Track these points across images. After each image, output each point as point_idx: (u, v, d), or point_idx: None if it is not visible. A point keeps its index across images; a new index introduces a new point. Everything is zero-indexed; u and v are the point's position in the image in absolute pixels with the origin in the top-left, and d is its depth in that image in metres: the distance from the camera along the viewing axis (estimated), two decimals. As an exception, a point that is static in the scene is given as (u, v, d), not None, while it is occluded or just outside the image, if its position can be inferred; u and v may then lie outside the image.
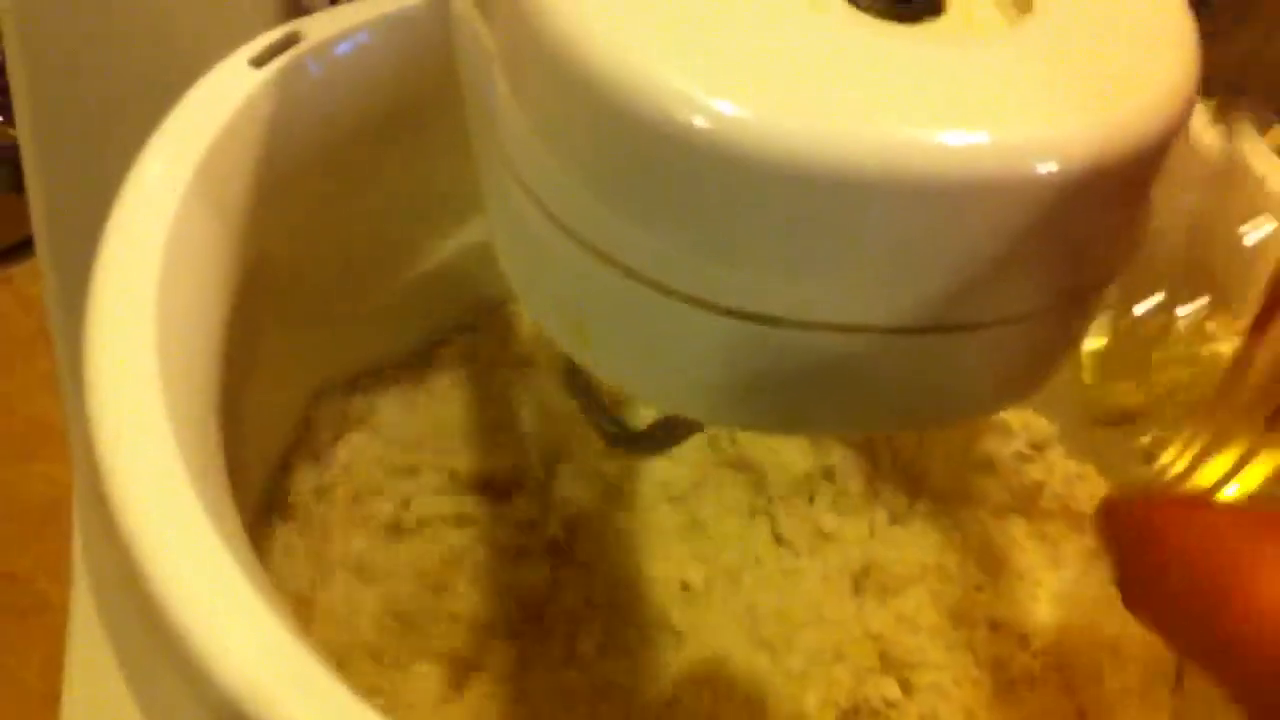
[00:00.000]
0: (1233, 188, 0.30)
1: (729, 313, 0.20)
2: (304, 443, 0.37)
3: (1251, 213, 0.29)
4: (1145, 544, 0.18)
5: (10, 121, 0.56)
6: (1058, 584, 0.37)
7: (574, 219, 0.20)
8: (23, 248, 0.55)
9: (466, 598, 0.34)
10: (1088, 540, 0.37)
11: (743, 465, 0.38)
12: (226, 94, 0.28)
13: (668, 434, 0.31)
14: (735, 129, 0.18)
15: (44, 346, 0.51)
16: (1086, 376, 0.23)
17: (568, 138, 0.20)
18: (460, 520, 0.36)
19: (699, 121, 0.18)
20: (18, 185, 0.54)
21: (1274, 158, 0.30)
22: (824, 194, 0.18)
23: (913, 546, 0.37)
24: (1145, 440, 0.21)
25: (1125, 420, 0.22)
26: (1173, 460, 0.19)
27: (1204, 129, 0.31)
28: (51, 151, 0.35)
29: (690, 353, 0.21)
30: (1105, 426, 0.23)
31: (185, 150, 0.27)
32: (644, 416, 0.34)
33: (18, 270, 0.55)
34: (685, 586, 0.36)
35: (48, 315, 0.38)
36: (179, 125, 0.27)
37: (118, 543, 0.21)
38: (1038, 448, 0.39)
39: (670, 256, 0.20)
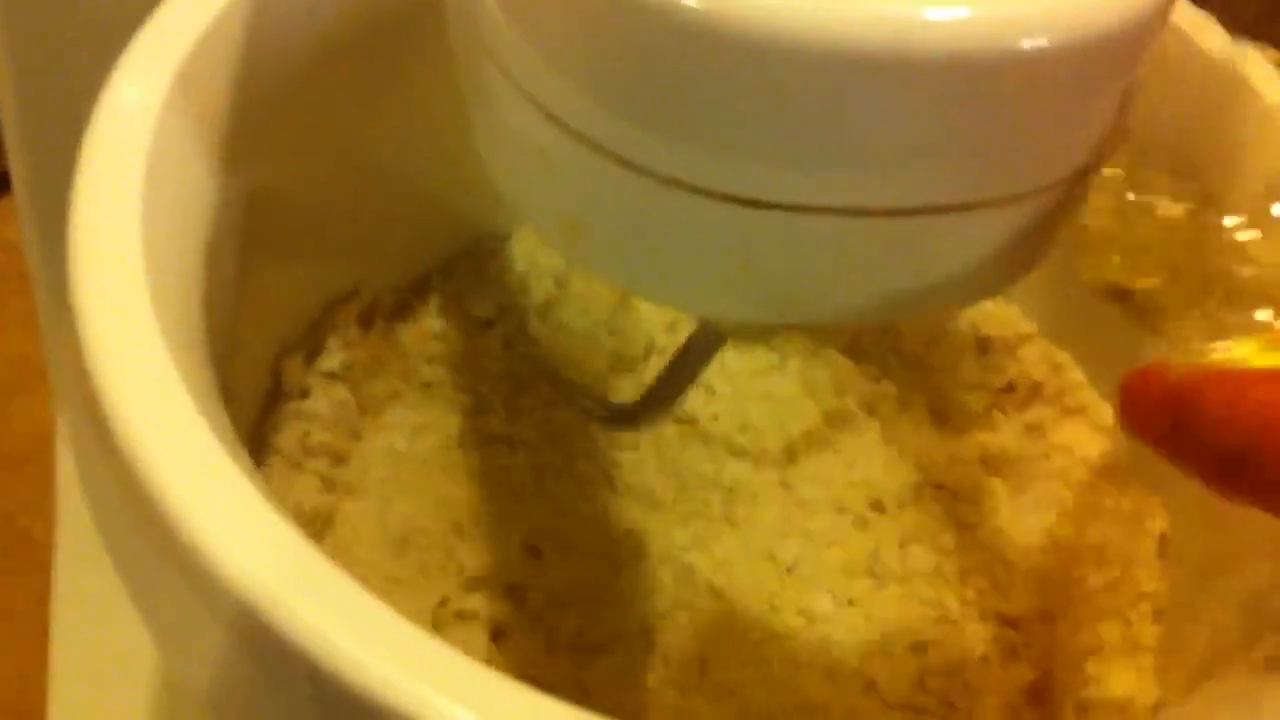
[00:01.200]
0: (1225, 91, 0.31)
1: (723, 198, 0.20)
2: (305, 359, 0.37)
3: (1241, 118, 0.30)
4: (1213, 419, 0.19)
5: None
6: (1041, 476, 0.37)
7: (564, 110, 0.20)
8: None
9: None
10: (1068, 431, 0.38)
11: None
12: (201, 7, 0.27)
13: (651, 406, 0.31)
14: (720, 7, 0.18)
15: (18, 284, 0.50)
16: (1087, 253, 0.23)
17: (552, 25, 0.20)
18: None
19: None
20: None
21: (1268, 66, 0.31)
22: (809, 72, 0.19)
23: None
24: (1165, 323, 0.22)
25: (1122, 298, 0.23)
26: (1229, 350, 0.20)
27: (1200, 29, 0.31)
28: (26, 80, 0.35)
29: (684, 241, 0.21)
30: (1110, 301, 0.23)
31: (162, 62, 0.26)
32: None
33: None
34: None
35: (25, 248, 0.37)
36: (155, 36, 0.26)
37: (117, 460, 0.21)
38: (1015, 344, 0.39)
39: (661, 142, 0.20)
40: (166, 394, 0.21)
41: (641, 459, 0.37)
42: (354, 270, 0.38)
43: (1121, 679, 0.32)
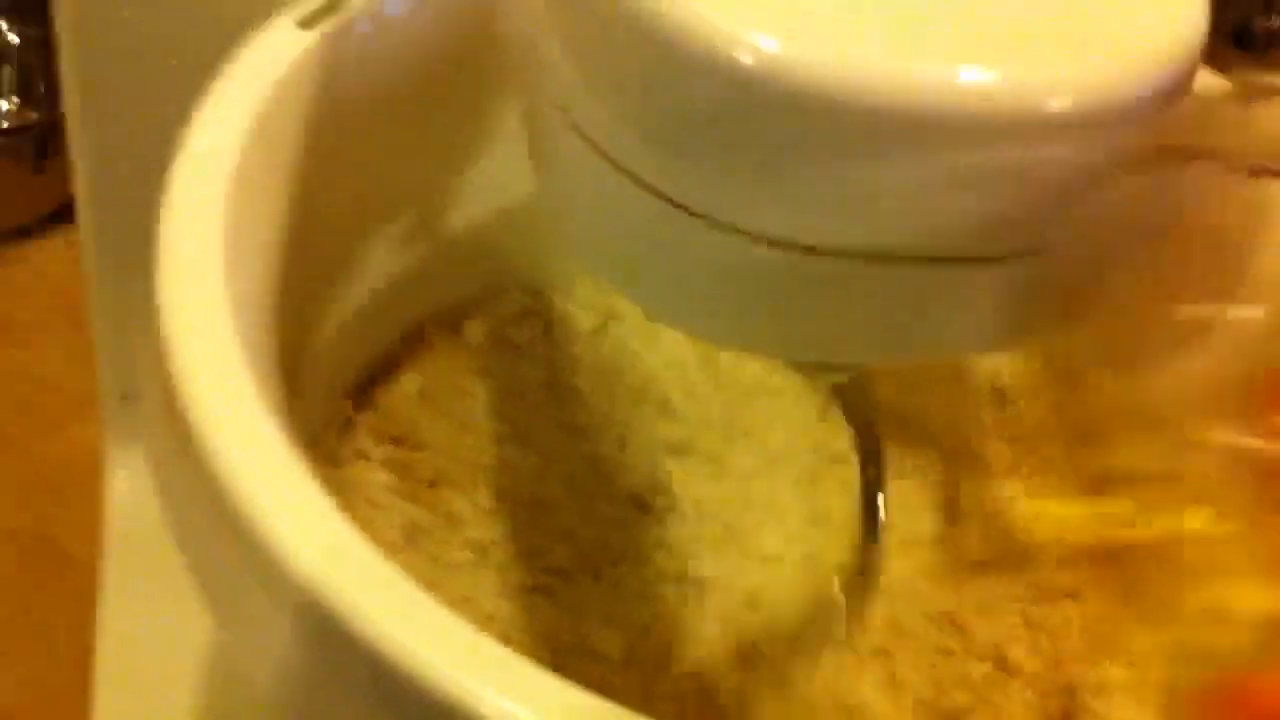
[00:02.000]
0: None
1: (773, 243, 0.22)
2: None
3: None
4: None
5: (30, 104, 0.57)
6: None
7: (630, 161, 0.22)
8: (39, 226, 0.56)
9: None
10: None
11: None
12: (274, 58, 0.28)
13: None
14: (770, 65, 0.20)
15: (57, 320, 0.53)
16: None
17: (616, 75, 0.22)
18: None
19: (739, 58, 0.20)
20: (39, 162, 0.56)
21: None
22: (853, 128, 0.20)
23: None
24: None
25: None
26: None
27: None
28: (96, 120, 0.36)
29: (736, 283, 0.23)
30: None
31: (235, 116, 0.27)
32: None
33: (34, 247, 0.56)
34: None
35: (87, 282, 0.38)
36: (227, 91, 0.28)
37: (197, 465, 0.22)
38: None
39: (718, 191, 0.22)
40: (245, 408, 0.23)
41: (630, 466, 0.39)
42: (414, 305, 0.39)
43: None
